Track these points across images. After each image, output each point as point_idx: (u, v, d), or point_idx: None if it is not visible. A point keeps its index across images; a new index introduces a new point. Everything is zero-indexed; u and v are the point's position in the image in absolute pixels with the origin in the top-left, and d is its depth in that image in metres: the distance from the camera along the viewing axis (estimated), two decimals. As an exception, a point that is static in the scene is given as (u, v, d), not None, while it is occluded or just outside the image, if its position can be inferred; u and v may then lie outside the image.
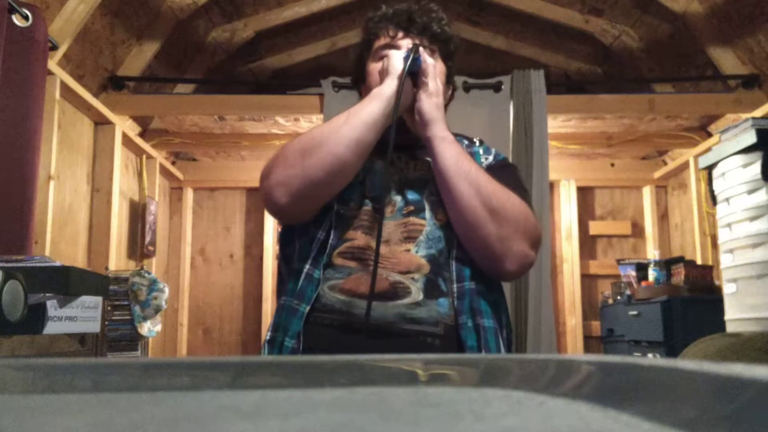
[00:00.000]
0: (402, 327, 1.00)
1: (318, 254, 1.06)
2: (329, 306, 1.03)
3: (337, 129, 1.05)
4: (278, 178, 1.04)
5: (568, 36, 3.69)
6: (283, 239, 1.17)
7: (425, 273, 1.05)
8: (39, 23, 2.18)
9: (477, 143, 1.27)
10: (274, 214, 1.12)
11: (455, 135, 1.24)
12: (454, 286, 1.06)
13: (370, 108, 1.06)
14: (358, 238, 1.07)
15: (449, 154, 1.07)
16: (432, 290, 1.04)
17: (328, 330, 1.02)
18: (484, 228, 1.04)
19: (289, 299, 1.06)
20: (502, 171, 1.18)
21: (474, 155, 1.21)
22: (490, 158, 1.24)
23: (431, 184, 1.12)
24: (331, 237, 1.07)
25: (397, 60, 1.09)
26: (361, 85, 1.26)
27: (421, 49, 1.11)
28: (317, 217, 1.09)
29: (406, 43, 1.16)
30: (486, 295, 1.08)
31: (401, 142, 1.10)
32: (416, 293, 1.03)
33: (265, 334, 1.11)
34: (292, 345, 1.01)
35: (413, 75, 1.09)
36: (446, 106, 1.19)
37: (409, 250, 1.06)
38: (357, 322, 1.00)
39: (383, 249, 1.04)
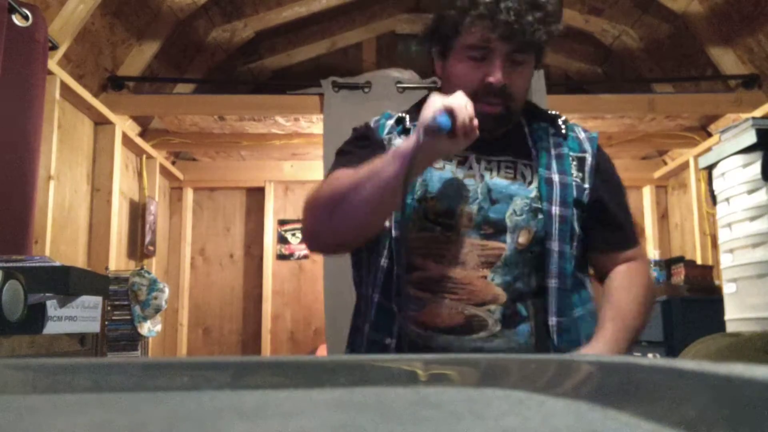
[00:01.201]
0: None
1: (386, 284, 1.03)
2: (409, 338, 1.01)
3: (357, 186, 0.96)
4: (311, 229, 1.06)
5: (568, 36, 3.69)
6: (352, 260, 1.16)
7: (501, 303, 0.99)
8: (39, 23, 2.18)
9: (563, 127, 1.11)
10: (314, 252, 1.17)
11: (535, 113, 1.13)
12: (554, 319, 1.00)
13: (390, 169, 0.93)
14: (430, 267, 1.01)
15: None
16: (510, 319, 0.99)
17: None
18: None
19: (372, 332, 1.04)
20: (612, 194, 1.11)
21: (563, 158, 1.08)
22: (588, 155, 1.10)
23: (517, 199, 1.03)
24: (396, 265, 1.02)
25: (433, 114, 0.90)
26: (437, 60, 1.11)
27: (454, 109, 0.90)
28: (375, 242, 1.06)
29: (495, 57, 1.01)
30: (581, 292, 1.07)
31: (477, 141, 0.96)
32: (493, 325, 0.99)
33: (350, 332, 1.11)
34: None
35: (449, 128, 0.92)
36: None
37: (485, 277, 1.00)
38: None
39: (459, 273, 0.99)
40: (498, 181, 1.05)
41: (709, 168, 2.50)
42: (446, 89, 1.03)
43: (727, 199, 2.35)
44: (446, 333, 0.98)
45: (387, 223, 1.04)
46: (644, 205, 4.19)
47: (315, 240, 1.07)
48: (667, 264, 3.29)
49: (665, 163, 4.09)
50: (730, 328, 2.29)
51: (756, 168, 2.21)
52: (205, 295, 4.11)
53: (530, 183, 1.06)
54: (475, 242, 1.01)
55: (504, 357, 0.43)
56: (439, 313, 0.99)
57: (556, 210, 1.03)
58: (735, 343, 1.89)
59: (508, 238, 1.01)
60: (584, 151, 1.11)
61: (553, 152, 1.09)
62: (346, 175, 1.00)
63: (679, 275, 3.13)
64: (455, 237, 1.01)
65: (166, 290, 2.84)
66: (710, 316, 2.59)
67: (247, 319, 4.09)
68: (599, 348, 0.96)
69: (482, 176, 1.05)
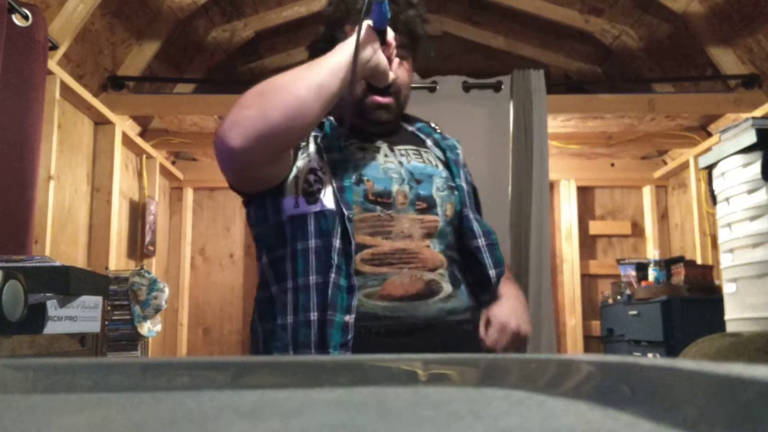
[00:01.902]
0: (445, 320, 1.06)
1: (343, 263, 1.03)
2: (371, 314, 1.02)
3: (299, 73, 1.01)
4: (232, 119, 0.97)
5: (568, 36, 3.69)
6: (273, 240, 1.10)
7: (446, 267, 1.10)
8: (39, 23, 2.18)
9: (437, 128, 1.31)
10: (226, 160, 1.01)
11: (421, 122, 1.30)
12: (493, 271, 1.15)
13: (334, 57, 1.02)
14: (381, 244, 1.07)
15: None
16: (455, 281, 1.11)
17: (376, 337, 1.02)
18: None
19: (317, 313, 1.01)
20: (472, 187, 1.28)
21: (452, 149, 1.26)
22: (459, 150, 1.29)
23: (436, 179, 1.16)
24: (351, 244, 1.04)
25: (364, 24, 1.05)
26: None
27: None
28: (322, 224, 1.05)
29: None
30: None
31: (380, 131, 1.14)
32: (447, 287, 1.08)
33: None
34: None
35: (380, 33, 1.05)
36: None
37: (429, 246, 1.10)
38: (406, 324, 1.03)
39: (409, 245, 1.08)
40: (415, 164, 1.16)
41: (709, 168, 2.50)
42: None
43: (727, 199, 2.35)
44: (411, 300, 1.05)
45: (333, 206, 1.04)
46: (644, 205, 4.19)
47: (233, 133, 0.95)
48: (667, 264, 3.29)
49: (665, 163, 4.09)
50: (730, 328, 2.29)
51: (756, 168, 2.21)
52: (205, 295, 4.12)
53: (437, 166, 1.19)
54: (414, 217, 1.10)
55: (504, 357, 0.43)
56: (402, 283, 1.05)
57: (464, 185, 1.20)
58: (735, 343, 1.89)
59: (439, 210, 1.13)
60: (456, 147, 1.28)
61: (441, 143, 1.26)
62: (273, 77, 1.02)
63: (679, 275, 3.13)
64: (396, 214, 1.09)
65: (166, 290, 2.84)
66: (710, 316, 2.59)
67: (247, 319, 4.09)
68: (512, 293, 1.16)
69: (400, 162, 1.15)
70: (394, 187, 1.10)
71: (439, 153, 1.24)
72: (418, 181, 1.13)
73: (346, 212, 1.05)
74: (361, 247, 1.06)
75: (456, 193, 1.18)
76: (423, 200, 1.12)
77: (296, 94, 0.97)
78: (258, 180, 1.08)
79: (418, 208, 1.11)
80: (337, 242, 1.04)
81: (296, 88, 0.98)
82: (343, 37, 1.12)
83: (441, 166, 1.20)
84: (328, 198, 1.06)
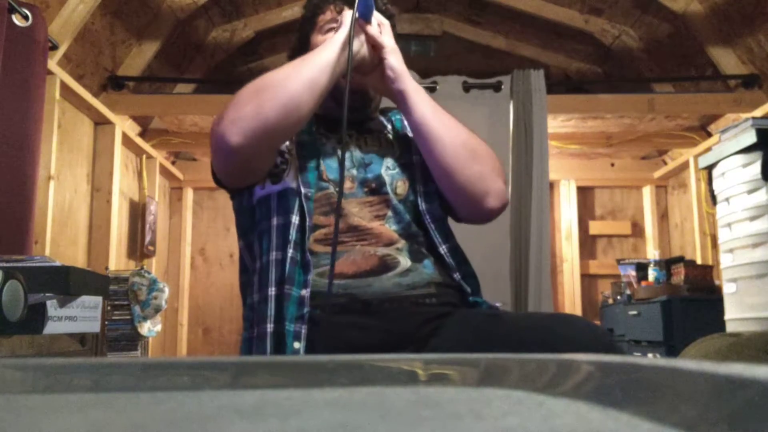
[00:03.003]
0: (401, 294, 1.03)
1: (299, 239, 1.06)
2: (324, 292, 1.02)
3: (291, 70, 1.04)
4: (230, 117, 1.01)
5: (568, 36, 3.69)
6: (246, 224, 1.14)
7: (405, 242, 1.09)
8: (39, 23, 2.18)
9: (397, 115, 1.29)
10: (225, 157, 1.05)
11: (392, 110, 1.30)
12: (444, 247, 1.11)
13: (325, 52, 1.06)
14: (332, 223, 1.07)
15: (427, 103, 1.11)
16: (416, 255, 1.08)
17: (330, 316, 1.01)
18: (468, 169, 1.10)
19: (275, 288, 1.03)
20: None
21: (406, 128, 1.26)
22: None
23: (386, 159, 1.16)
24: (306, 220, 1.06)
25: (348, 16, 1.09)
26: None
27: None
28: (283, 202, 1.08)
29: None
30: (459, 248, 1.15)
31: (347, 119, 1.11)
32: (404, 262, 1.06)
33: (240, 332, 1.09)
34: (294, 330, 1.00)
35: (366, 19, 1.09)
36: None
37: (383, 225, 1.09)
38: (359, 300, 1.02)
39: (361, 223, 1.08)
40: (369, 149, 1.17)
41: (709, 168, 2.50)
42: None
43: (727, 199, 2.35)
44: (365, 276, 1.04)
45: (294, 185, 1.07)
46: (644, 205, 4.19)
47: (231, 131, 0.99)
48: (667, 264, 3.29)
49: (665, 163, 4.09)
50: (730, 328, 2.29)
51: (756, 168, 2.21)
52: (205, 295, 4.12)
53: (392, 146, 1.20)
54: (363, 200, 1.11)
55: (504, 357, 0.43)
56: (354, 260, 1.04)
57: (417, 158, 1.17)
58: (735, 343, 1.89)
59: (388, 189, 1.12)
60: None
61: (401, 123, 1.25)
62: (267, 74, 1.05)
63: (679, 275, 3.13)
64: (345, 198, 1.09)
65: (166, 290, 2.84)
66: (710, 316, 2.59)
67: (247, 319, 4.09)
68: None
69: (357, 146, 1.17)
70: (346, 174, 1.11)
71: (399, 133, 1.24)
72: (367, 165, 1.14)
73: (304, 190, 1.08)
74: (316, 227, 1.07)
75: (408, 170, 1.17)
76: (370, 182, 1.12)
77: (290, 91, 1.01)
78: (250, 173, 1.11)
79: (365, 190, 1.11)
80: (295, 219, 1.06)
81: (290, 85, 1.02)
82: (315, 31, 1.19)
83: (397, 147, 1.20)
84: (290, 177, 1.09)
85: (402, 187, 1.14)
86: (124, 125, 3.24)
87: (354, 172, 1.13)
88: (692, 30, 3.10)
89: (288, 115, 1.01)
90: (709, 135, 3.55)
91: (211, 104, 3.37)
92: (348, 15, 1.09)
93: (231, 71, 3.79)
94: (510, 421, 0.26)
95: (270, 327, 1.02)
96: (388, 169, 1.15)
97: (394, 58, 1.12)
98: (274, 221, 1.08)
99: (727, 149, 2.35)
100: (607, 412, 0.26)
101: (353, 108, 1.10)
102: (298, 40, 1.26)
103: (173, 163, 4.08)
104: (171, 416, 0.28)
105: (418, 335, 1.00)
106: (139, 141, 3.45)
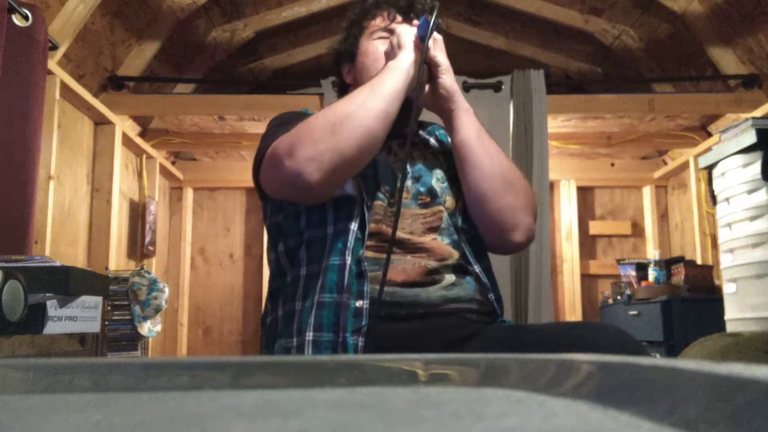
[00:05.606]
0: (447, 307, 1.05)
1: (355, 247, 1.06)
2: (374, 299, 1.02)
3: (364, 102, 1.04)
4: (308, 155, 0.99)
5: (568, 36, 3.69)
6: (289, 229, 1.12)
7: (455, 258, 1.10)
8: (39, 23, 2.18)
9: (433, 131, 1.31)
10: (302, 193, 1.04)
11: (431, 124, 1.32)
12: (478, 266, 1.13)
13: (393, 80, 1.07)
14: (385, 232, 1.08)
15: (473, 125, 1.13)
16: (460, 272, 1.10)
17: (380, 319, 1.01)
18: (502, 199, 1.12)
19: (333, 295, 1.03)
20: None
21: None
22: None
23: (435, 171, 1.17)
24: (365, 230, 1.07)
25: (407, 35, 1.11)
26: (345, 64, 1.26)
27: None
28: (342, 209, 1.08)
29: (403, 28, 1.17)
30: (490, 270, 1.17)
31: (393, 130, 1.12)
32: (450, 277, 1.08)
33: (280, 340, 1.08)
34: (352, 342, 1.00)
35: (422, 38, 1.10)
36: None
37: (435, 239, 1.10)
38: (406, 308, 1.03)
39: (414, 238, 1.09)
40: (415, 161, 1.19)
41: (709, 168, 2.50)
42: (362, 77, 1.17)
43: (727, 199, 2.35)
44: (411, 287, 1.05)
45: (353, 192, 1.08)
46: (644, 205, 4.19)
47: (311, 169, 0.99)
48: (667, 264, 3.29)
49: (665, 163, 4.09)
50: (730, 328, 2.29)
51: (756, 168, 2.21)
52: (205, 295, 4.12)
53: (439, 159, 1.22)
54: (416, 212, 1.12)
55: (504, 357, 0.43)
56: (404, 269, 1.06)
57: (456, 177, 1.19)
58: (735, 343, 1.89)
59: (441, 201, 1.15)
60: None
61: (443, 138, 1.28)
62: (336, 106, 1.06)
63: (679, 275, 3.13)
64: (399, 208, 1.09)
65: (166, 290, 2.84)
66: (710, 316, 2.59)
67: (247, 319, 4.09)
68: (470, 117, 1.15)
69: (409, 158, 1.17)
70: (398, 184, 1.12)
71: (445, 147, 1.25)
72: (418, 177, 1.16)
73: (365, 198, 1.08)
74: (370, 234, 1.08)
75: (454, 184, 1.18)
76: (424, 195, 1.13)
77: (365, 125, 1.02)
78: (318, 200, 1.10)
79: (419, 202, 1.12)
80: (354, 226, 1.06)
81: (364, 119, 1.02)
82: (363, 35, 1.21)
83: (443, 160, 1.21)
84: (349, 185, 1.09)
85: (450, 201, 1.16)
86: (124, 125, 3.24)
87: (408, 183, 1.14)
88: (692, 30, 3.10)
89: (365, 148, 1.03)
90: (709, 135, 3.55)
91: (211, 104, 3.37)
92: (405, 32, 1.11)
93: (231, 71, 3.79)
94: (510, 421, 0.26)
95: (329, 336, 1.02)
96: (438, 181, 1.17)
97: (448, 78, 1.14)
98: (330, 228, 1.08)
99: (727, 149, 2.35)
100: (607, 412, 0.26)
101: (400, 118, 1.11)
102: (344, 41, 1.26)
103: (173, 163, 4.08)
104: (171, 416, 0.28)
105: (455, 347, 1.02)
106: (139, 141, 3.45)
